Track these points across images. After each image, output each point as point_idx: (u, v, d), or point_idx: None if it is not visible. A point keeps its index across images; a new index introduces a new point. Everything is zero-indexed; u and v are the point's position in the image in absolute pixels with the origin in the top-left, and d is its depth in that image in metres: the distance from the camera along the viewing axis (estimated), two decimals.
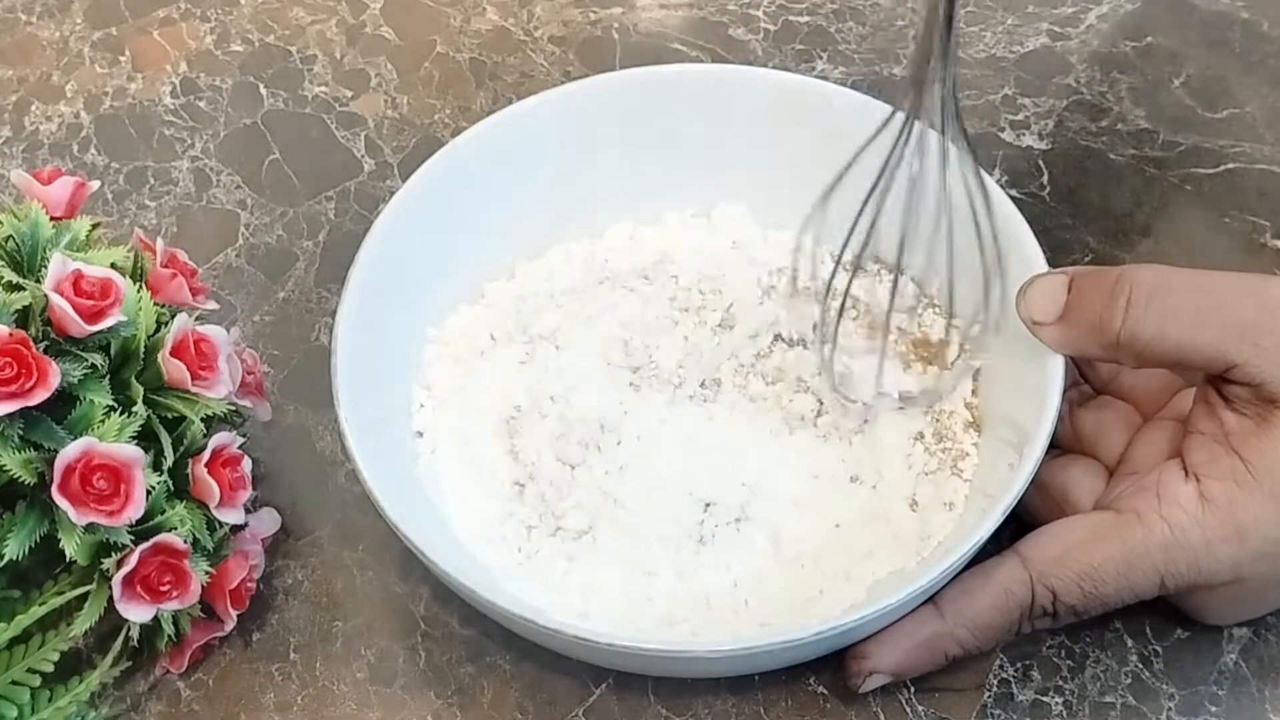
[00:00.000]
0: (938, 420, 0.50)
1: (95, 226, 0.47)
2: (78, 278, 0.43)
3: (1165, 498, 0.43)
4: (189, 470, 0.45)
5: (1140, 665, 0.47)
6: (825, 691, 0.47)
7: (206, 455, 0.45)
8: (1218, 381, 0.43)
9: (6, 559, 0.41)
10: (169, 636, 0.45)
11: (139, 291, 0.45)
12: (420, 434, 0.51)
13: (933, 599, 0.44)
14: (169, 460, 0.44)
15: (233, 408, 0.47)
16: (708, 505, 0.49)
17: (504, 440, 0.50)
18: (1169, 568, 0.42)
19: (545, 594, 0.47)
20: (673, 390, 0.51)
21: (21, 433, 0.41)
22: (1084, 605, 0.43)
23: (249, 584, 0.47)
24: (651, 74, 0.55)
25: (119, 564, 0.42)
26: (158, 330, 0.45)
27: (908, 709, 0.46)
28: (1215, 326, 0.42)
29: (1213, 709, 0.46)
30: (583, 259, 0.56)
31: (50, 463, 0.41)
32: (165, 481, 0.44)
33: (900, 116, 0.44)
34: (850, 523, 0.48)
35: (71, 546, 0.42)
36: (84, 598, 0.43)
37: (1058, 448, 0.47)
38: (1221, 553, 0.42)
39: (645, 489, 0.49)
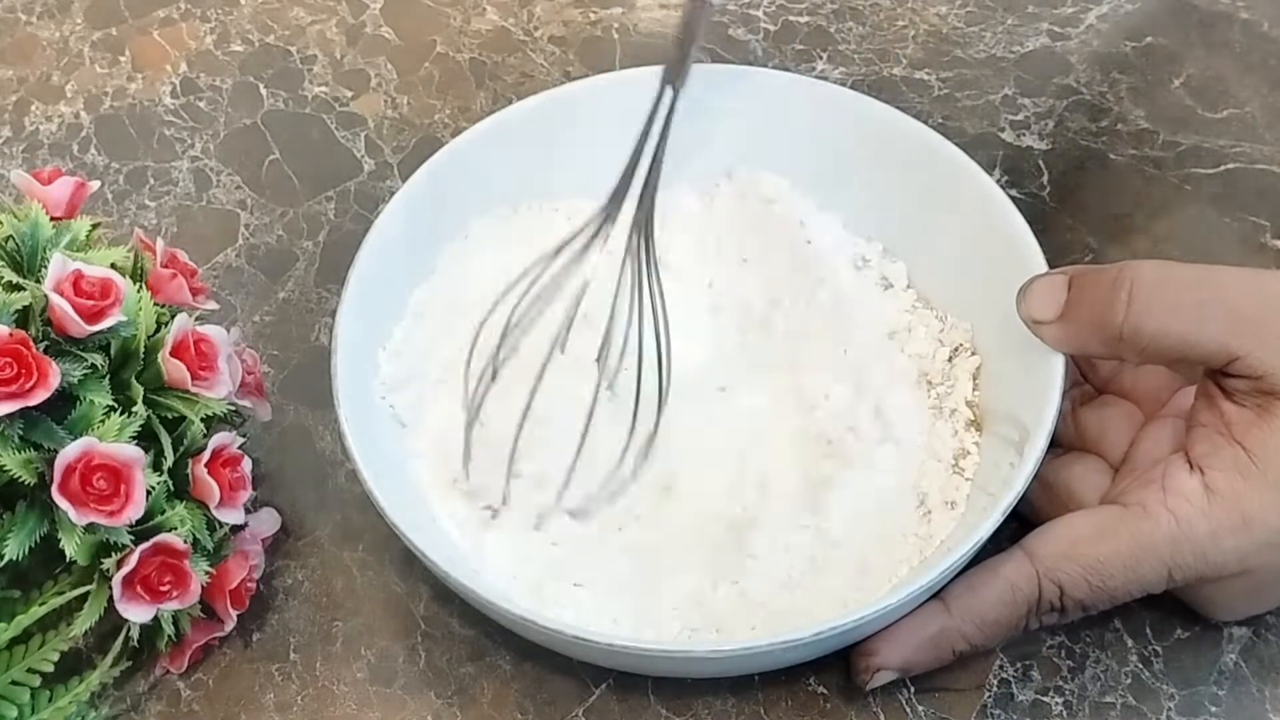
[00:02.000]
0: (937, 420, 0.50)
1: (95, 226, 0.47)
2: (78, 278, 0.43)
3: (1170, 490, 0.42)
4: (189, 470, 0.45)
5: (1140, 665, 0.47)
6: (825, 691, 0.47)
7: (206, 455, 0.45)
8: (1218, 375, 0.43)
9: (6, 559, 0.41)
10: (169, 636, 0.45)
11: (139, 291, 0.45)
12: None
13: (939, 595, 0.44)
14: (169, 460, 0.44)
15: (233, 408, 0.47)
16: (708, 508, 0.48)
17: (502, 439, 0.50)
18: (1176, 560, 0.42)
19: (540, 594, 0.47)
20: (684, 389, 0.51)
21: (21, 433, 0.41)
22: (1091, 600, 0.43)
23: (249, 584, 0.47)
24: (651, 74, 0.55)
25: (119, 564, 0.42)
26: (158, 330, 0.45)
27: (908, 709, 0.46)
28: (1217, 319, 0.42)
29: (1213, 709, 0.46)
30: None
31: (50, 463, 0.41)
32: (165, 481, 0.44)
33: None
34: (850, 522, 0.48)
35: (71, 546, 0.42)
36: (84, 598, 0.43)
37: (1061, 447, 0.47)
38: (1228, 543, 0.42)
39: (646, 490, 0.49)
